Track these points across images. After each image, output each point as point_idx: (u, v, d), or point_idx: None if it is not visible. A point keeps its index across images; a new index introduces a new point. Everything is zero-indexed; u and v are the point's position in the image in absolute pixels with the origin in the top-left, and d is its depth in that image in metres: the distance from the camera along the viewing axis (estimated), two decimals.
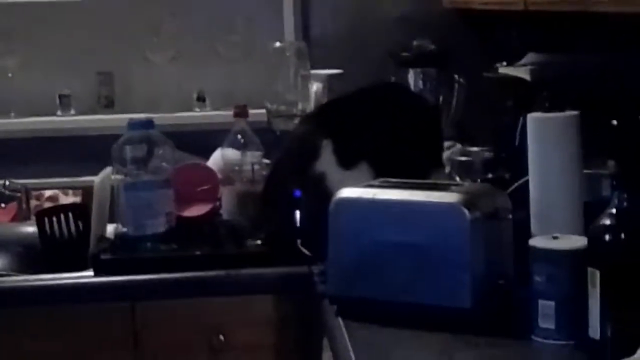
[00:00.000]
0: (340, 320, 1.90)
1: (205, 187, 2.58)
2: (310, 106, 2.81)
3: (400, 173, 2.07)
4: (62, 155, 3.04)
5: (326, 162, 2.25)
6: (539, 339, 1.72)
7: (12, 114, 3.04)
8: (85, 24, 3.09)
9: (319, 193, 2.14)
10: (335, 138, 2.26)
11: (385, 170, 2.14)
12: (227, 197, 2.57)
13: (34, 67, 3.05)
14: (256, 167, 2.54)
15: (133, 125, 2.52)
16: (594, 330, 1.62)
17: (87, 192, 2.72)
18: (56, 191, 2.92)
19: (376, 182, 2.03)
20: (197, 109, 3.11)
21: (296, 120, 2.77)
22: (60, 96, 3.06)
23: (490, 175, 2.42)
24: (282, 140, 2.61)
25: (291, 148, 2.37)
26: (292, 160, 2.34)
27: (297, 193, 2.47)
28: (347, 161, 2.25)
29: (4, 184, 2.85)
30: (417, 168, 2.22)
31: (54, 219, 2.52)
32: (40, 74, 3.07)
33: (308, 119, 2.47)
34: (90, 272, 2.40)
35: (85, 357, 2.36)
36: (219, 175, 2.61)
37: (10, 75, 3.03)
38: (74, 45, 3.09)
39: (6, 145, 3.04)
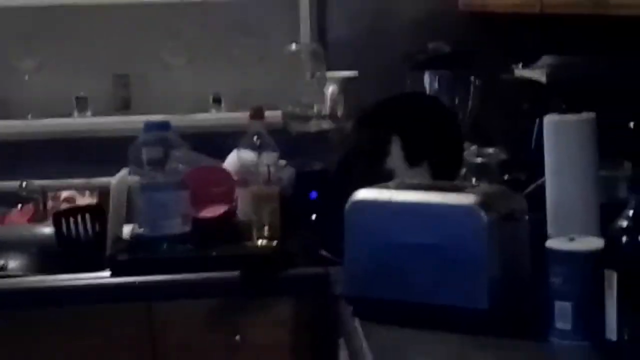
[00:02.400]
0: (357, 320, 1.91)
1: (221, 189, 2.59)
2: (326, 108, 2.82)
3: (447, 175, 2.10)
4: (79, 156, 3.05)
5: (395, 158, 2.26)
6: (556, 340, 1.73)
7: (29, 116, 3.06)
8: (102, 27, 3.11)
9: None
10: (403, 134, 2.27)
11: (438, 172, 2.17)
12: (243, 199, 2.58)
13: (51, 69, 3.07)
14: (272, 168, 2.55)
15: (149, 126, 2.53)
16: (611, 331, 1.63)
17: (103, 193, 2.73)
18: (73, 192, 2.94)
19: (392, 184, 2.04)
20: (213, 111, 3.12)
21: (312, 122, 2.78)
22: (76, 98, 3.08)
23: (506, 177, 2.42)
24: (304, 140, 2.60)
25: (361, 143, 2.35)
26: (363, 155, 2.32)
27: (314, 195, 2.49)
28: (412, 158, 2.26)
29: (21, 185, 2.86)
30: (455, 170, 2.28)
31: (71, 220, 2.53)
32: (57, 76, 3.08)
33: (367, 118, 2.43)
34: (107, 273, 2.41)
35: (102, 358, 2.37)
36: (235, 177, 2.62)
37: (26, 77, 3.05)
38: (90, 48, 3.10)
39: (23, 147, 3.05)
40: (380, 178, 2.12)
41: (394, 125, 2.30)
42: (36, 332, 2.34)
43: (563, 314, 1.71)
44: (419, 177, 2.20)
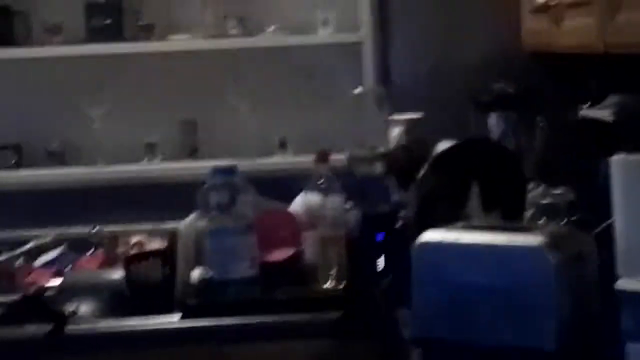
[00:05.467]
0: None
1: (288, 232, 2.60)
2: (390, 150, 2.83)
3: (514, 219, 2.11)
4: (148, 201, 3.09)
5: (474, 205, 2.26)
6: None
7: (99, 163, 3.10)
8: (169, 74, 3.16)
9: None
10: (480, 180, 2.27)
11: (510, 218, 2.19)
12: (309, 242, 2.59)
13: (120, 116, 3.12)
14: (337, 211, 2.55)
15: (216, 171, 2.55)
16: None
17: (172, 237, 2.76)
18: (143, 237, 2.97)
19: (459, 225, 2.03)
20: (279, 155, 3.14)
21: (377, 163, 2.78)
22: (146, 144, 3.12)
23: (574, 217, 2.40)
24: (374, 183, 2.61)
25: (441, 187, 2.33)
26: (444, 200, 2.31)
27: (380, 237, 2.49)
28: (487, 206, 2.25)
29: (92, 230, 2.90)
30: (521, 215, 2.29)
31: (141, 264, 2.56)
32: (125, 123, 3.14)
33: (444, 160, 2.40)
34: (177, 317, 2.43)
35: None
36: (302, 220, 2.63)
37: (96, 125, 3.10)
38: (158, 95, 3.16)
39: (93, 193, 3.11)
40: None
41: (472, 169, 2.30)
42: None
43: (635, 356, 1.69)
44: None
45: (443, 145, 2.43)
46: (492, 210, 2.27)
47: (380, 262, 2.46)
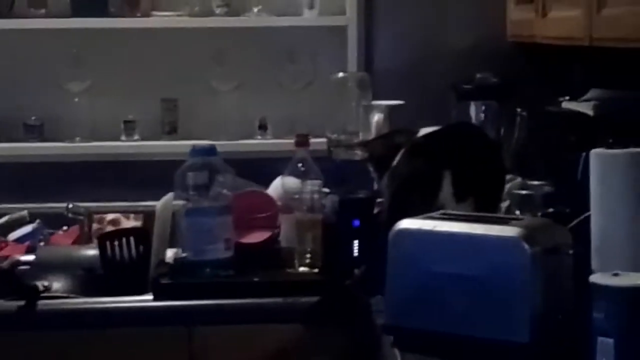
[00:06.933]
0: (396, 351, 1.90)
1: (265, 215, 2.60)
2: (371, 137, 2.82)
3: (489, 209, 2.12)
4: (125, 179, 3.08)
5: (446, 194, 2.25)
6: None
7: (78, 139, 3.09)
8: (152, 52, 3.14)
9: None
10: (453, 169, 2.27)
11: (481, 206, 2.18)
12: (286, 225, 2.58)
13: (100, 92, 3.10)
14: (315, 195, 2.55)
15: (195, 151, 2.55)
16: None
17: (148, 216, 2.75)
18: (118, 215, 2.96)
19: (436, 214, 2.03)
20: (259, 137, 3.13)
21: (357, 150, 2.78)
22: (125, 122, 3.11)
23: (550, 210, 2.40)
24: (346, 169, 2.60)
25: (414, 177, 2.31)
26: (417, 189, 2.29)
27: (357, 223, 2.49)
28: (460, 195, 2.24)
29: (67, 207, 2.89)
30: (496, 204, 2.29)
31: (116, 242, 2.55)
32: (105, 99, 3.12)
33: (419, 149, 2.37)
34: (150, 296, 2.42)
35: None
36: (279, 203, 2.62)
37: (76, 100, 3.08)
38: (139, 72, 3.14)
39: (70, 169, 3.09)
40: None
41: (445, 158, 2.29)
42: (77, 353, 2.36)
43: (605, 350, 1.69)
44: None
45: (424, 133, 2.43)
46: (465, 199, 2.26)
47: (355, 249, 2.45)
